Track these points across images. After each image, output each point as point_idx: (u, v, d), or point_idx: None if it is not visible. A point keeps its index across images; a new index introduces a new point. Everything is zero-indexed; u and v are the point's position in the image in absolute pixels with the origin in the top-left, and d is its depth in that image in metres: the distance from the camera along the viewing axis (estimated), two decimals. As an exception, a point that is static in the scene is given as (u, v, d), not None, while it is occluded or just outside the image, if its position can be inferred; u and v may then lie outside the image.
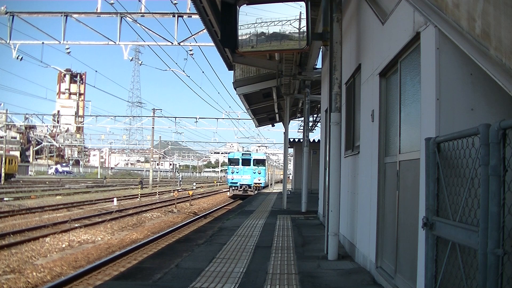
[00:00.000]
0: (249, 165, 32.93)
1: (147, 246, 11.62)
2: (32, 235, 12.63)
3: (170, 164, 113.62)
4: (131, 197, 29.97)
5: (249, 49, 5.84)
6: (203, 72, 22.35)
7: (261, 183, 33.12)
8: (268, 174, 39.29)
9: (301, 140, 24.69)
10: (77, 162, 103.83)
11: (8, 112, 56.97)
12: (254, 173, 32.86)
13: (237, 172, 32.83)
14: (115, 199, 24.34)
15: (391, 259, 5.00)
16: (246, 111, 25.58)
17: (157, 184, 53.59)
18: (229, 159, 34.94)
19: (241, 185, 32.48)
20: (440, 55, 3.42)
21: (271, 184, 40.30)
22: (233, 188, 32.88)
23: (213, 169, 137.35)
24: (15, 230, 13.18)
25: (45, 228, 13.97)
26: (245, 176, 32.61)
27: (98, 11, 18.19)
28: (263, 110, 24.50)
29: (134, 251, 10.77)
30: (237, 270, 6.13)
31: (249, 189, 32.45)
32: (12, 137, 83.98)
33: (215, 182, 65.83)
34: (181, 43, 18.54)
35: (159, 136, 75.51)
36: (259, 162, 33.66)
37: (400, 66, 4.72)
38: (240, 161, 33.13)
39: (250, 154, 35.65)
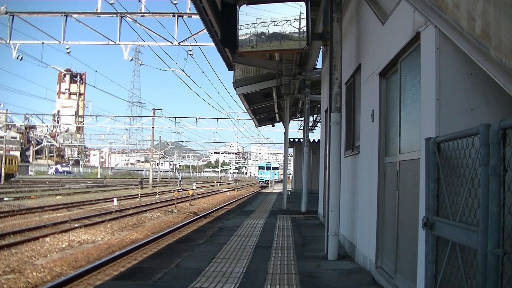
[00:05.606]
0: (270, 169, 59.38)
1: (147, 246, 11.60)
2: (32, 235, 12.61)
3: (170, 164, 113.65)
4: (131, 197, 29.92)
5: (249, 49, 5.84)
6: (203, 72, 22.40)
7: (275, 179, 54.53)
8: (279, 174, 66.40)
9: (301, 140, 24.73)
10: (77, 162, 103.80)
11: (8, 112, 56.99)
12: (272, 174, 55.07)
13: (262, 174, 62.17)
14: (115, 199, 24.30)
15: (391, 259, 5.00)
16: (246, 111, 25.60)
17: (157, 184, 53.55)
18: (258, 166, 68.46)
19: (265, 180, 59.46)
20: (440, 55, 3.41)
21: (279, 182, 60.51)
22: (261, 182, 61.32)
23: (213, 169, 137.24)
24: (15, 230, 13.15)
25: (45, 228, 13.94)
26: (267, 175, 58.82)
27: (98, 11, 18.19)
28: (263, 110, 24.50)
29: (134, 251, 10.75)
30: (237, 270, 6.13)
31: (269, 182, 53.68)
32: (12, 137, 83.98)
33: (215, 182, 65.72)
34: (181, 43, 18.54)
35: (159, 136, 75.79)
36: (275, 168, 60.69)
37: (400, 66, 4.72)
38: (265, 167, 62.95)
39: (270, 163, 64.33)
